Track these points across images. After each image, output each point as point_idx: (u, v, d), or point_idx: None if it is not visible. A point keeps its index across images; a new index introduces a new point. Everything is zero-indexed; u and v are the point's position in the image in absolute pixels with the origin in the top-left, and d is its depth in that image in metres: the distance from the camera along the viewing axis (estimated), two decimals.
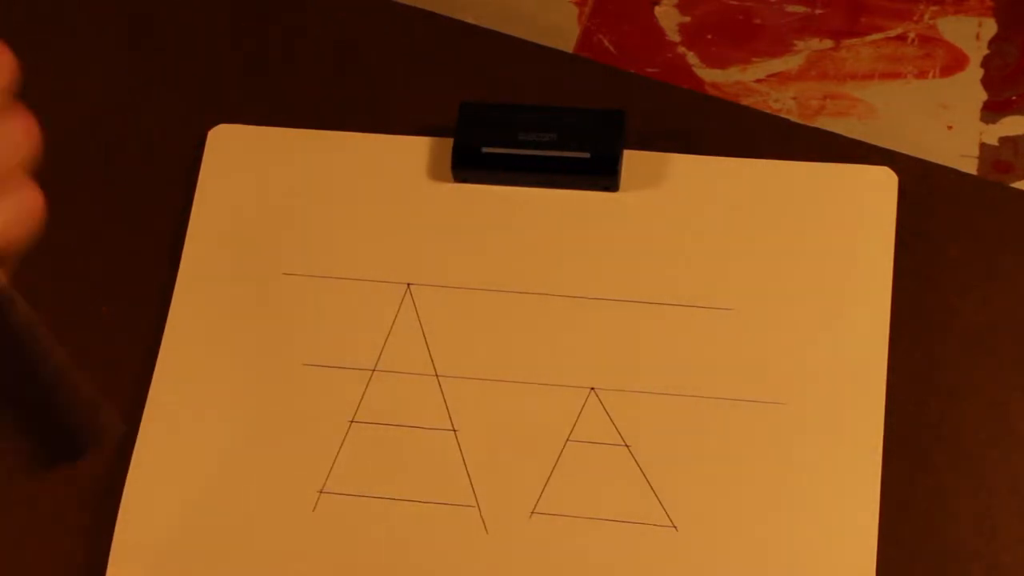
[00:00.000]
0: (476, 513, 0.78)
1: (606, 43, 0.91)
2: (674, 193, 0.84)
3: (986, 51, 0.88)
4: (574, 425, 0.79)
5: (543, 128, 0.84)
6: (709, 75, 0.90)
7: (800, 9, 0.91)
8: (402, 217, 0.84)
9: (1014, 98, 0.87)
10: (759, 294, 0.80)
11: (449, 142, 0.85)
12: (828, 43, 0.90)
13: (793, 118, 0.87)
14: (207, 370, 0.82)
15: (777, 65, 0.90)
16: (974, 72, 0.88)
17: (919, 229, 0.82)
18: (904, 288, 0.80)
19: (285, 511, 0.79)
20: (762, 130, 0.86)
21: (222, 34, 0.92)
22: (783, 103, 0.88)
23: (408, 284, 0.83)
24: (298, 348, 0.82)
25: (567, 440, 0.79)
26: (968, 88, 0.88)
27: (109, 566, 0.79)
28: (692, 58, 0.91)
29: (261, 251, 0.84)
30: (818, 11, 0.91)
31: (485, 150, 0.84)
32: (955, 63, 0.88)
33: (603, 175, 0.83)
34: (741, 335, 0.80)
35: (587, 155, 0.83)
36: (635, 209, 0.83)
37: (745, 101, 0.88)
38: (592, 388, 0.79)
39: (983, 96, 0.87)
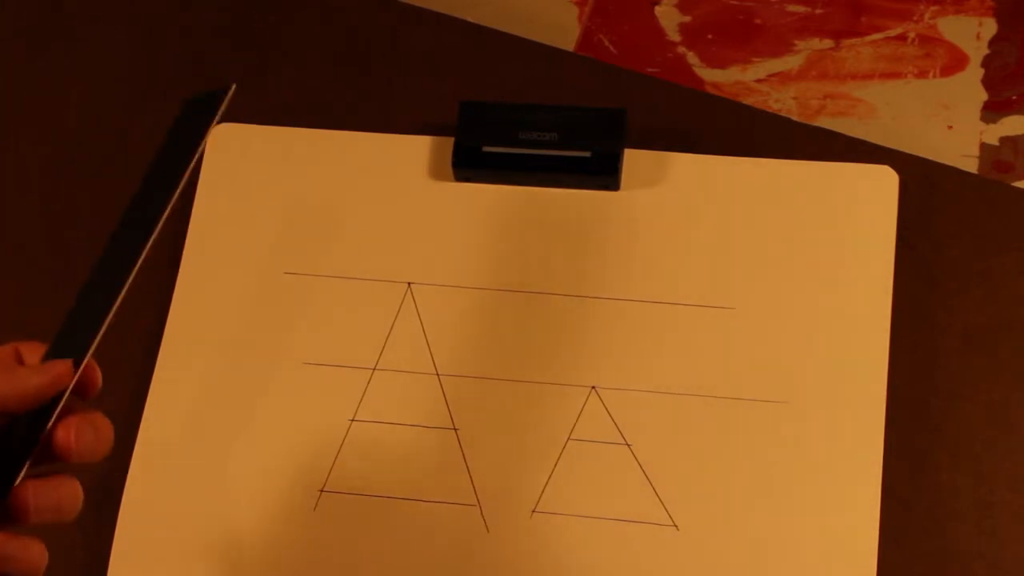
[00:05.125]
0: (477, 512, 0.78)
1: (606, 43, 0.91)
2: (675, 192, 0.84)
3: (986, 51, 0.88)
4: (575, 424, 0.79)
5: (544, 127, 0.84)
6: (709, 75, 0.90)
7: (800, 9, 0.91)
8: (403, 216, 0.84)
9: (1014, 98, 0.87)
10: (760, 293, 0.80)
11: (450, 141, 0.85)
12: (828, 43, 0.90)
13: (793, 118, 0.87)
14: (207, 369, 0.82)
15: (777, 65, 0.90)
16: (974, 72, 0.88)
17: (919, 228, 0.82)
18: (904, 287, 0.81)
19: (286, 510, 0.79)
20: (762, 129, 0.86)
21: (222, 34, 0.93)
22: (783, 103, 0.88)
23: (409, 283, 0.83)
24: (299, 347, 0.82)
25: (568, 439, 0.79)
26: (968, 88, 0.88)
27: (109, 566, 0.79)
28: (692, 58, 0.91)
29: (262, 250, 0.84)
30: (818, 11, 0.91)
31: (486, 149, 0.84)
32: (955, 63, 0.88)
33: (604, 174, 0.83)
34: (742, 334, 0.80)
35: (588, 154, 0.83)
36: (636, 208, 0.83)
37: (745, 101, 0.88)
38: (593, 387, 0.79)
39: (983, 96, 0.87)
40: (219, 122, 0.67)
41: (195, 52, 0.92)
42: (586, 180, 0.84)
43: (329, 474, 0.79)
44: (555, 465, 0.78)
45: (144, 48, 0.93)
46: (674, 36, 0.91)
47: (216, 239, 0.85)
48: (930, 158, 0.84)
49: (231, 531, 0.79)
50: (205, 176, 0.86)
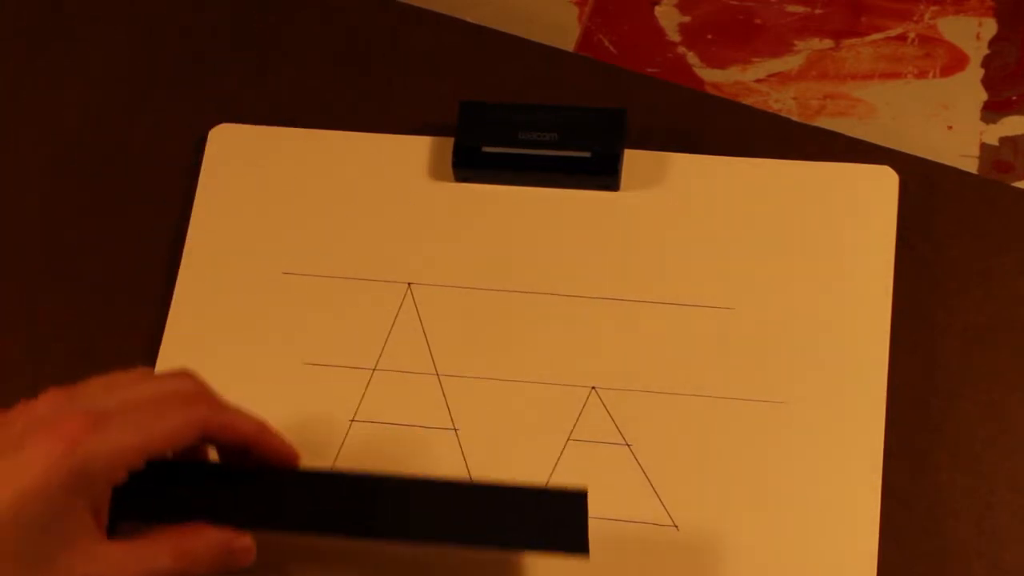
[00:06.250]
0: None
1: (606, 43, 0.91)
2: (674, 192, 0.84)
3: (986, 51, 0.89)
4: (575, 424, 0.79)
5: (544, 127, 0.84)
6: (709, 75, 0.90)
7: (800, 9, 0.91)
8: (403, 216, 0.84)
9: (1014, 98, 0.87)
10: (759, 293, 0.80)
11: (450, 141, 0.85)
12: (828, 43, 0.90)
13: (793, 118, 0.87)
14: (207, 370, 0.82)
15: (777, 65, 0.90)
16: (974, 72, 0.88)
17: (919, 229, 0.82)
18: (904, 288, 0.81)
19: None
20: (762, 129, 0.86)
21: (222, 34, 0.93)
22: (783, 103, 0.88)
23: (409, 283, 0.83)
24: (298, 347, 0.82)
25: (568, 439, 0.79)
26: (968, 88, 0.88)
27: None
28: (692, 58, 0.91)
29: (261, 251, 0.84)
30: (818, 11, 0.91)
31: (486, 149, 0.84)
32: (955, 63, 0.88)
33: (604, 174, 0.83)
34: (741, 334, 0.80)
35: (588, 154, 0.83)
36: (635, 209, 0.83)
37: (745, 101, 0.88)
38: (593, 387, 0.79)
39: (983, 96, 0.87)
40: None
41: (195, 52, 0.92)
42: (586, 180, 0.84)
43: None
44: (555, 465, 0.78)
45: (144, 48, 0.93)
46: (674, 36, 0.91)
47: (216, 239, 0.85)
48: (930, 158, 0.84)
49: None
50: (205, 176, 0.86)
